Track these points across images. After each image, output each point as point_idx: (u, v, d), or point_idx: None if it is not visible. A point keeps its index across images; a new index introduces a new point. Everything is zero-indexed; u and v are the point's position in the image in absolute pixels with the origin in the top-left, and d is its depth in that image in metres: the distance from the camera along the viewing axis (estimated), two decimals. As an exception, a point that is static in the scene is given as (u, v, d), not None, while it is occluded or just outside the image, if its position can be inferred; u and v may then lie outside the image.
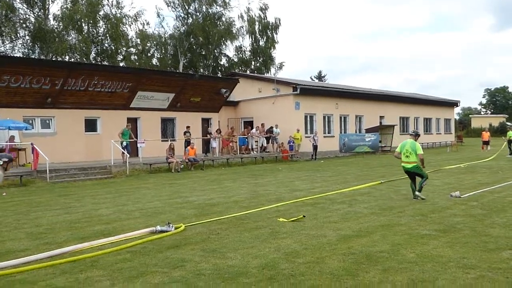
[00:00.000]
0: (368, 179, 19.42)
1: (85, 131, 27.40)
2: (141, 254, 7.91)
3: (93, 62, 45.65)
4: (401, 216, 10.78)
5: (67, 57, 44.88)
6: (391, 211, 11.56)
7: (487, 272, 6.50)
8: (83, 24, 45.69)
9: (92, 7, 45.11)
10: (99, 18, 46.91)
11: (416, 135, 13.95)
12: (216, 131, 31.99)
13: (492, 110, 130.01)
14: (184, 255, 7.79)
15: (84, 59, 44.98)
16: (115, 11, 48.21)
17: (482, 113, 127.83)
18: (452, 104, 57.05)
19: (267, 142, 34.65)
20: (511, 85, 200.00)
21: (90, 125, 27.75)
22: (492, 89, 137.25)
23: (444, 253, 7.48)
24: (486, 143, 40.12)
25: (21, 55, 42.78)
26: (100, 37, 47.97)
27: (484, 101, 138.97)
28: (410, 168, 13.44)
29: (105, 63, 46.47)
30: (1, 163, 8.70)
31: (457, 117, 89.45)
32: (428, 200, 13.14)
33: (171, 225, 9.84)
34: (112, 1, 48.42)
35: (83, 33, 45.53)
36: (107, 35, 47.65)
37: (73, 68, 26.29)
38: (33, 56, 43.01)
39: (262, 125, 34.27)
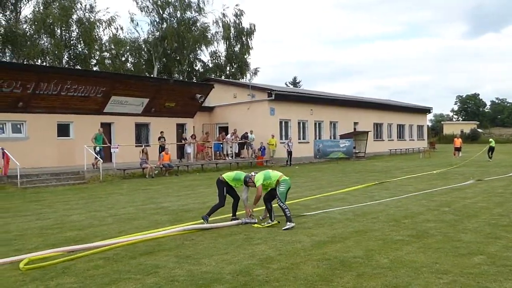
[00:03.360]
0: (343, 185, 19.54)
1: (58, 136, 27.00)
2: (113, 261, 7.82)
3: (66, 66, 45.06)
4: (375, 222, 10.86)
5: (39, 61, 44.25)
6: (365, 216, 11.64)
7: (459, 277, 6.58)
8: (56, 28, 45.09)
9: (65, 11, 44.52)
10: (72, 22, 46.38)
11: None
12: (191, 136, 31.88)
13: (463, 117, 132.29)
14: (157, 261, 7.72)
15: (57, 63, 44.40)
16: (89, 15, 47.78)
17: (453, 119, 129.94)
18: (425, 110, 57.86)
19: (242, 148, 34.63)
20: (482, 92, 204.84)
21: (63, 130, 27.34)
22: (464, 96, 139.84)
23: (417, 259, 7.55)
24: (458, 149, 40.74)
25: (-9, 59, 42.08)
26: (73, 41, 47.41)
27: (455, 107, 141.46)
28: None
29: (78, 67, 45.93)
30: None
31: (430, 124, 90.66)
32: (401, 206, 13.27)
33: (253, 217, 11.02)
34: (85, 5, 48.01)
35: (56, 37, 44.93)
36: (80, 39, 47.13)
37: (45, 72, 25.93)
38: (3, 60, 42.27)
39: (236, 131, 34.22)
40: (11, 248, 8.96)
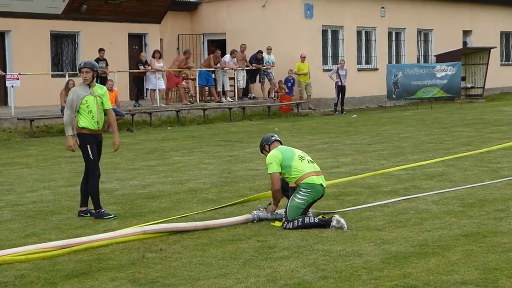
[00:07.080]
0: (441, 149, 19.47)
1: None
2: (15, 289, 7.86)
3: None
4: (502, 218, 10.82)
5: None
6: (482, 208, 11.64)
7: None
8: None
9: None
10: None
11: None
12: (154, 54, 31.45)
13: None
14: (97, 290, 7.77)
15: None
16: None
17: None
18: None
19: (252, 81, 34.44)
20: None
21: None
22: None
23: None
24: None
25: None
26: None
27: None
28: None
29: None
30: None
31: None
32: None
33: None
34: None
35: None
36: None
37: None
38: None
39: (243, 48, 33.94)
40: None
